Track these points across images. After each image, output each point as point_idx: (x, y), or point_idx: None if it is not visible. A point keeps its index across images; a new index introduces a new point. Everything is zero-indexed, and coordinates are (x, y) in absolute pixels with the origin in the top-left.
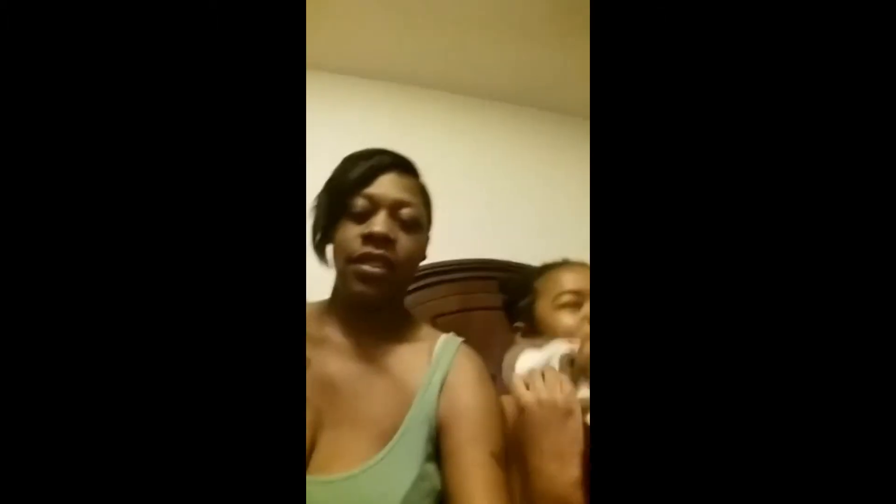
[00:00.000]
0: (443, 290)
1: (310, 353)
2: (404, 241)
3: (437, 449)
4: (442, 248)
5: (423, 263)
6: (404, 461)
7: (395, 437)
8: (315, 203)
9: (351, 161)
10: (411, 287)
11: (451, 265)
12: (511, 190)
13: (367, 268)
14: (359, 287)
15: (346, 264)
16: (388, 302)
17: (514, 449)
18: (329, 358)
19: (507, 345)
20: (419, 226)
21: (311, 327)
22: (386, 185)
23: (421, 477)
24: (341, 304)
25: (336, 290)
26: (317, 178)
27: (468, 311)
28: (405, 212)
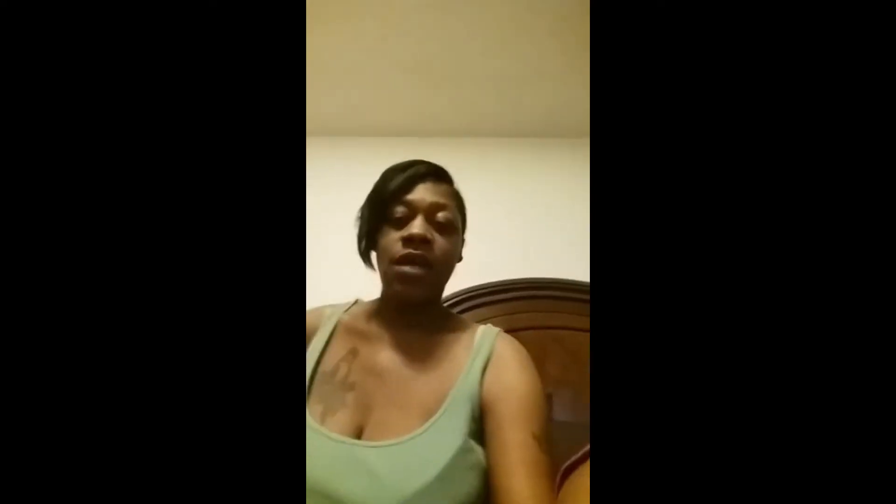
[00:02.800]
0: (489, 311)
1: (357, 345)
2: (440, 242)
3: (483, 431)
4: (486, 270)
5: (469, 285)
6: (447, 433)
7: (439, 411)
8: (359, 214)
9: (390, 173)
10: (459, 309)
11: (496, 286)
12: (542, 210)
13: (407, 269)
14: (400, 287)
15: (389, 266)
16: (428, 299)
17: None
18: (375, 349)
19: (556, 363)
20: (454, 228)
21: (360, 323)
22: (422, 192)
23: (464, 449)
24: (387, 302)
25: (382, 293)
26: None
27: (516, 331)
28: (441, 215)
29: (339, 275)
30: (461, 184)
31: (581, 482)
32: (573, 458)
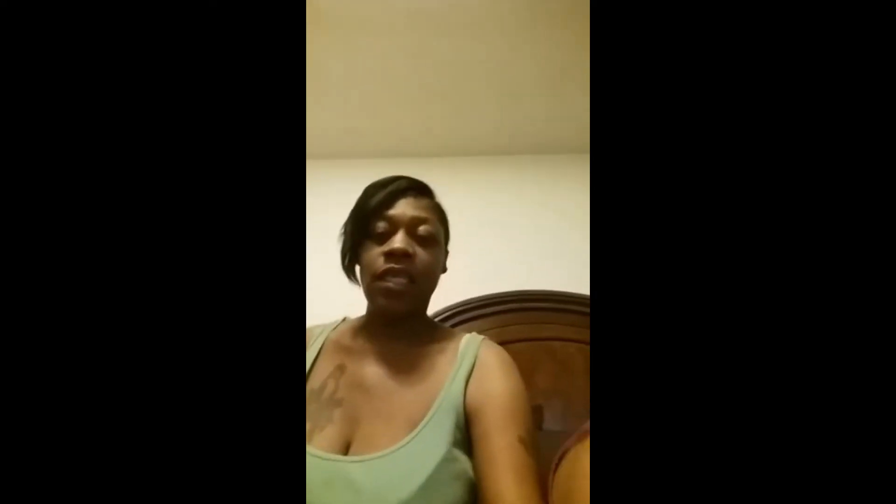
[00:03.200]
0: (481, 324)
1: (344, 360)
2: (422, 256)
3: (469, 439)
4: (477, 284)
5: (459, 299)
6: (431, 443)
7: (423, 421)
8: (342, 230)
9: (372, 189)
10: (452, 322)
11: (488, 299)
12: (531, 225)
13: (390, 284)
14: (383, 301)
15: (372, 281)
16: (412, 312)
17: None
18: (361, 363)
19: (547, 373)
20: (436, 241)
21: (346, 340)
22: (403, 207)
23: (448, 459)
24: (372, 317)
25: (368, 309)
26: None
27: (507, 343)
28: (422, 229)
29: (335, 293)
30: (455, 200)
31: (574, 466)
32: (566, 445)
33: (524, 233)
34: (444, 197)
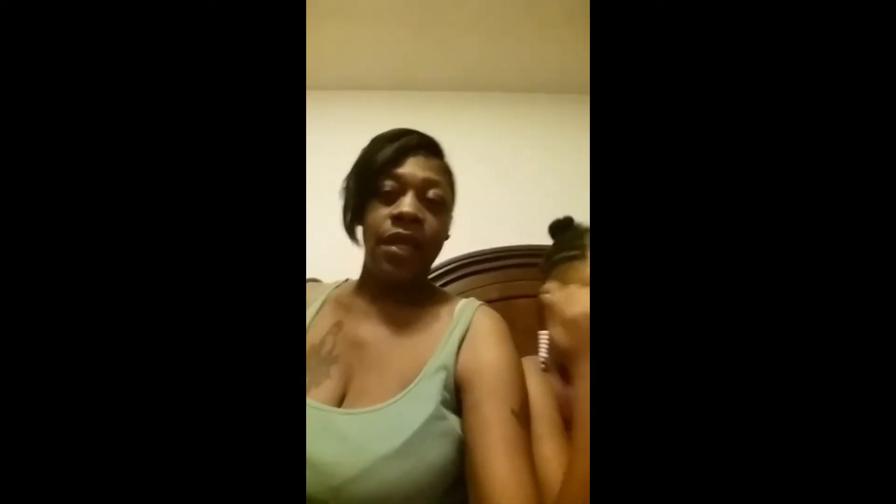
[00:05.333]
0: (484, 278)
1: (343, 317)
2: (431, 221)
3: (459, 403)
4: (480, 237)
5: (463, 252)
6: (420, 401)
7: (414, 381)
8: (344, 184)
9: (379, 142)
10: (453, 277)
11: (490, 253)
12: (540, 174)
13: (395, 249)
14: (387, 267)
15: (377, 245)
16: (414, 280)
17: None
18: (358, 321)
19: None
20: (445, 206)
21: (346, 298)
22: (413, 166)
23: (435, 416)
24: (371, 279)
25: (366, 267)
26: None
27: (510, 298)
28: (432, 192)
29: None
30: (459, 142)
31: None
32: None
33: (532, 182)
34: (450, 134)
